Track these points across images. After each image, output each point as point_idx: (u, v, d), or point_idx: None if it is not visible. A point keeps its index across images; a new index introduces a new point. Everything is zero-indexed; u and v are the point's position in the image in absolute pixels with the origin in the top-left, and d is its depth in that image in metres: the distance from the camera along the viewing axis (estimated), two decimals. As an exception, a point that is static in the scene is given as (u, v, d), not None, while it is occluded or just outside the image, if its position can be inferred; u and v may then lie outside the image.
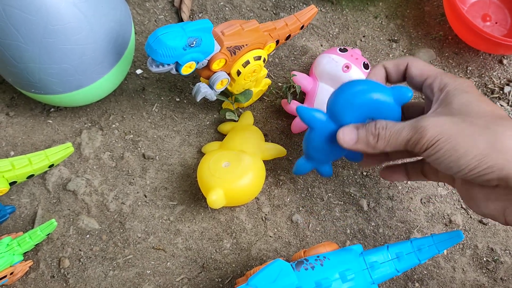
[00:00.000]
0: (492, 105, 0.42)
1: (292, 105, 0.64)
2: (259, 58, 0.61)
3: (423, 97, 0.49)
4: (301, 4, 0.74)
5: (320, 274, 0.49)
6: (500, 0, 0.72)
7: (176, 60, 0.56)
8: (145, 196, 0.63)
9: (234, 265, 0.60)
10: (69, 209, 0.62)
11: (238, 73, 0.61)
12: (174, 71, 0.57)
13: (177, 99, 0.68)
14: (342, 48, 0.65)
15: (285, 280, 0.48)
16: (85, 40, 0.56)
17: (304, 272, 0.50)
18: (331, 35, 0.72)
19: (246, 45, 0.59)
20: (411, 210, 0.63)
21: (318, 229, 0.62)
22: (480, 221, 0.63)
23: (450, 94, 0.43)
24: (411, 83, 0.49)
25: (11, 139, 0.66)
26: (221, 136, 0.66)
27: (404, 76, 0.49)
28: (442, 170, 0.42)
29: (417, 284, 0.59)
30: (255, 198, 0.63)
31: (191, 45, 0.55)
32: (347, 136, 0.46)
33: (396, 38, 0.72)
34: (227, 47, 0.58)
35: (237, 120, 0.67)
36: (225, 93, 0.65)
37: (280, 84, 0.66)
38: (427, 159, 0.42)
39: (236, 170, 0.57)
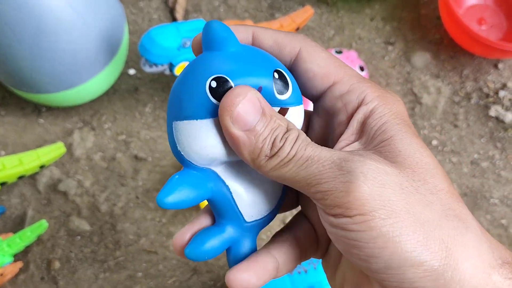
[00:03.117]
0: (435, 161, 0.25)
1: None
2: (253, 59, 0.61)
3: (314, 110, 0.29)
4: (296, 5, 0.73)
5: (313, 277, 0.49)
6: (496, 4, 0.72)
7: (170, 61, 0.55)
8: (137, 198, 0.63)
9: (226, 268, 0.60)
10: (59, 210, 0.62)
11: (233, 74, 0.60)
12: (167, 72, 0.57)
13: (171, 100, 0.67)
14: (338, 50, 0.65)
15: (278, 283, 0.47)
16: (78, 39, 0.55)
17: (297, 275, 0.49)
18: (326, 37, 0.71)
19: (241, 46, 0.59)
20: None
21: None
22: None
23: (389, 132, 0.24)
24: (302, 83, 0.27)
25: (2, 139, 0.65)
26: (214, 138, 0.66)
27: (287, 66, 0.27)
28: (356, 260, 0.23)
29: None
30: (249, 200, 0.62)
31: (185, 46, 0.54)
32: (247, 108, 0.23)
33: (391, 41, 0.71)
34: (221, 48, 0.58)
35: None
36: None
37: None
38: (336, 234, 0.23)
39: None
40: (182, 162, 0.26)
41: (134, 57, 0.69)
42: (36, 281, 0.59)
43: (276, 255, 0.27)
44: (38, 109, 0.67)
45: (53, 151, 0.61)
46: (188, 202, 0.25)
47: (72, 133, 0.65)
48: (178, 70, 0.56)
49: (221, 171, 0.26)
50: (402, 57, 0.70)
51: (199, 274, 0.59)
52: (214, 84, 0.23)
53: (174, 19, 0.72)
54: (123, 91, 0.68)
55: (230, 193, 0.26)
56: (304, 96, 0.28)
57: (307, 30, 0.72)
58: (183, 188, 0.25)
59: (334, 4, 0.74)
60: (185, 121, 0.24)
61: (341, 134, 0.26)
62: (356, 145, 0.25)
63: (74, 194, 0.62)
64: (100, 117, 0.66)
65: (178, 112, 0.24)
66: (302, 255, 0.28)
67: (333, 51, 0.65)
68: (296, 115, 0.26)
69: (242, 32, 0.27)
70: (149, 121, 0.66)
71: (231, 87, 0.23)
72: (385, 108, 0.25)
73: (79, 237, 0.61)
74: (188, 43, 0.54)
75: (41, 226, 0.56)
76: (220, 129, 0.24)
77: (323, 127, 0.28)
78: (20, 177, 0.60)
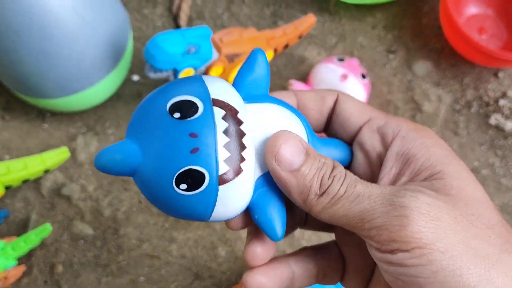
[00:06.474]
0: (486, 194, 0.25)
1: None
2: (257, 66, 0.61)
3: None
4: (299, 13, 0.74)
5: (315, 283, 0.49)
6: (496, 14, 0.72)
7: (174, 67, 0.56)
8: (140, 203, 0.63)
9: (228, 273, 0.60)
10: (63, 214, 0.62)
11: (236, 81, 0.61)
12: (172, 78, 0.57)
13: (174, 106, 0.68)
14: (340, 57, 0.66)
15: None
16: (84, 45, 0.56)
17: None
18: (328, 45, 0.72)
19: (245, 52, 0.60)
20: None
21: (313, 238, 0.62)
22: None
23: (439, 165, 0.25)
24: (341, 124, 0.29)
25: (6, 143, 0.65)
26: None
27: (329, 116, 0.29)
28: None
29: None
30: (251, 206, 0.63)
31: (190, 52, 0.55)
32: (290, 152, 0.24)
33: (393, 49, 0.72)
34: (225, 55, 0.58)
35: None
36: (222, 101, 0.65)
37: (277, 92, 0.66)
38: (395, 272, 0.22)
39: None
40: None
41: (138, 63, 0.70)
42: (39, 284, 0.59)
43: (293, 266, 0.28)
44: (42, 114, 0.67)
45: (58, 155, 0.61)
46: (285, 216, 0.26)
47: (76, 138, 0.66)
48: (182, 76, 0.57)
49: (258, 173, 0.26)
50: (404, 65, 0.71)
51: (201, 279, 0.60)
52: (184, 186, 0.23)
53: (177, 26, 0.73)
54: (127, 97, 0.68)
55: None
56: (342, 136, 0.29)
57: (310, 38, 0.72)
58: (272, 214, 0.26)
59: (336, 12, 0.74)
60: (212, 216, 0.25)
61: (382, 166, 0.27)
62: (403, 179, 0.25)
63: (77, 199, 0.63)
64: (104, 123, 0.67)
65: (199, 220, 0.26)
66: (320, 276, 0.29)
67: (335, 59, 0.65)
68: (216, 84, 0.26)
69: (287, 97, 0.29)
70: (152, 127, 0.67)
71: (189, 170, 0.23)
72: (427, 140, 0.26)
73: (82, 241, 0.61)
74: (193, 50, 0.55)
75: (46, 229, 0.57)
76: (227, 185, 0.24)
77: (363, 164, 0.29)
78: (25, 181, 0.60)
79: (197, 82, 0.25)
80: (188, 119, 0.24)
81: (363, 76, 0.65)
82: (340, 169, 0.25)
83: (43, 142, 0.66)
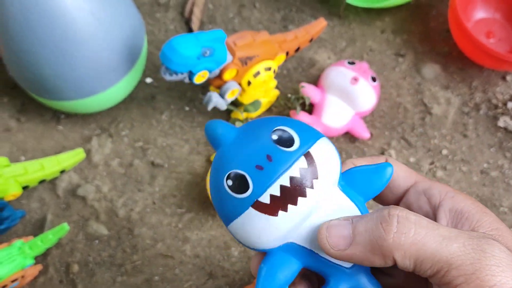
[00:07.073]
0: None
1: (301, 116, 0.65)
2: (269, 69, 0.62)
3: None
4: (309, 17, 0.75)
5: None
6: (504, 18, 0.73)
7: (190, 69, 0.57)
8: (154, 203, 0.64)
9: (241, 273, 0.61)
10: (78, 215, 0.63)
11: (249, 83, 0.62)
12: (187, 80, 0.58)
13: (187, 108, 0.69)
14: (350, 61, 0.67)
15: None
16: (100, 47, 0.57)
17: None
18: (338, 49, 0.73)
19: (258, 56, 0.61)
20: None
21: None
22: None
23: (493, 224, 0.26)
24: (388, 186, 0.30)
25: (22, 145, 0.66)
26: (229, 145, 0.67)
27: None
28: None
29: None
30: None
31: (205, 55, 0.56)
32: (335, 233, 0.25)
33: (402, 53, 0.73)
34: (239, 58, 0.59)
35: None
36: (235, 103, 0.66)
37: (288, 95, 0.68)
38: None
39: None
40: (259, 251, 0.27)
41: (151, 66, 0.71)
42: (55, 284, 0.60)
43: None
44: (57, 116, 0.68)
45: (73, 156, 0.62)
46: (287, 282, 0.26)
47: (90, 139, 0.67)
48: (197, 79, 0.58)
49: (296, 239, 0.27)
50: (413, 69, 0.72)
51: (215, 279, 0.60)
52: (230, 182, 0.25)
53: (189, 29, 0.74)
54: (140, 99, 0.69)
55: (316, 253, 0.26)
56: (388, 197, 0.30)
57: (320, 42, 0.73)
58: (276, 275, 0.26)
59: (345, 16, 0.75)
60: (231, 224, 0.26)
61: None
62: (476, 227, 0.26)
63: (92, 199, 0.63)
64: (118, 124, 0.68)
65: (223, 219, 0.27)
66: None
67: (345, 62, 0.66)
68: (324, 149, 0.27)
69: (347, 165, 0.30)
70: (165, 129, 0.68)
71: (243, 175, 0.25)
72: (475, 202, 0.28)
73: (97, 241, 0.62)
74: (208, 52, 0.56)
75: (63, 229, 0.57)
76: (256, 212, 0.25)
77: None
78: (41, 182, 0.61)
79: (314, 131, 0.27)
80: (278, 146, 0.25)
81: (373, 79, 0.66)
82: (401, 208, 0.24)
83: (58, 143, 0.67)
